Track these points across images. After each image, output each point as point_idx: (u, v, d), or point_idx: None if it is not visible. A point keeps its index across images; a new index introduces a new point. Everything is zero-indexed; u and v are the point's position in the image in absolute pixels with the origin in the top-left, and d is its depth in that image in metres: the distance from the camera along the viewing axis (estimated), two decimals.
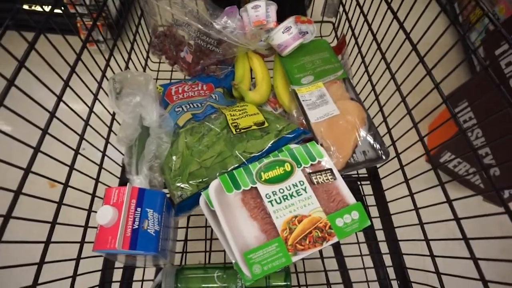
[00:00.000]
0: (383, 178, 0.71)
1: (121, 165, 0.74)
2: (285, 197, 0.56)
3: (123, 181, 0.70)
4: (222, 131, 0.66)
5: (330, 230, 0.53)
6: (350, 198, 0.57)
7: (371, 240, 0.67)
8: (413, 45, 0.62)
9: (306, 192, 0.57)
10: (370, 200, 0.72)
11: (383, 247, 0.66)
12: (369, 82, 0.75)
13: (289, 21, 0.77)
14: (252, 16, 0.77)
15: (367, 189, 0.75)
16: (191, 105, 0.73)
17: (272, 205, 0.55)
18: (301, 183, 0.57)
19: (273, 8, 0.79)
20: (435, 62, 0.59)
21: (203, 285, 0.60)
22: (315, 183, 0.58)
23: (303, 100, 0.72)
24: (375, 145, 0.65)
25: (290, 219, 0.54)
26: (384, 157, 0.64)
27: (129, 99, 0.64)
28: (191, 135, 0.67)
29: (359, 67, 0.81)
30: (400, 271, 0.61)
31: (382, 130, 0.68)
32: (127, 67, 0.80)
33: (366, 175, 0.76)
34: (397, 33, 0.66)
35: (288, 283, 0.60)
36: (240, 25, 0.75)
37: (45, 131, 0.50)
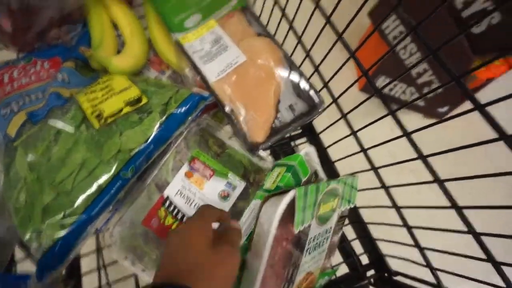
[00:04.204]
0: (321, 132, 0.54)
1: None
2: (316, 246, 0.39)
3: None
4: (78, 128, 0.43)
5: None
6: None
7: None
8: None
9: (326, 243, 0.41)
10: None
11: None
12: (276, 5, 0.54)
13: None
14: None
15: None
16: (25, 98, 0.47)
17: (305, 256, 0.38)
18: (329, 230, 0.41)
19: None
20: None
21: None
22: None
23: (193, 52, 0.49)
24: (303, 92, 0.47)
25: (304, 277, 0.39)
26: (319, 105, 0.46)
27: None
28: (34, 147, 0.43)
29: None
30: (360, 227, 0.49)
31: (307, 70, 0.50)
32: None
33: (300, 131, 0.59)
34: None
35: None
36: None
37: None
